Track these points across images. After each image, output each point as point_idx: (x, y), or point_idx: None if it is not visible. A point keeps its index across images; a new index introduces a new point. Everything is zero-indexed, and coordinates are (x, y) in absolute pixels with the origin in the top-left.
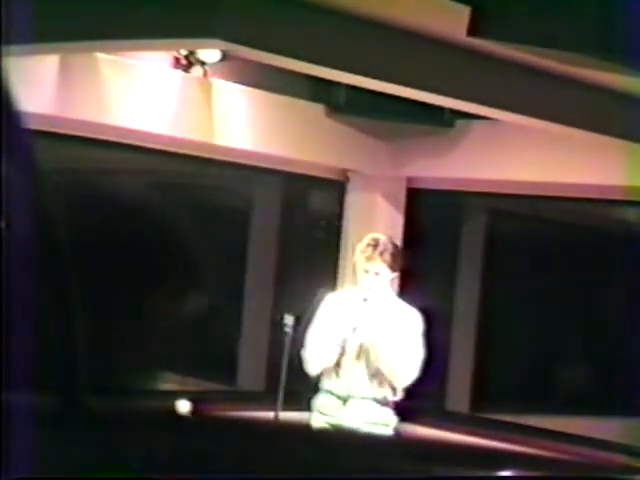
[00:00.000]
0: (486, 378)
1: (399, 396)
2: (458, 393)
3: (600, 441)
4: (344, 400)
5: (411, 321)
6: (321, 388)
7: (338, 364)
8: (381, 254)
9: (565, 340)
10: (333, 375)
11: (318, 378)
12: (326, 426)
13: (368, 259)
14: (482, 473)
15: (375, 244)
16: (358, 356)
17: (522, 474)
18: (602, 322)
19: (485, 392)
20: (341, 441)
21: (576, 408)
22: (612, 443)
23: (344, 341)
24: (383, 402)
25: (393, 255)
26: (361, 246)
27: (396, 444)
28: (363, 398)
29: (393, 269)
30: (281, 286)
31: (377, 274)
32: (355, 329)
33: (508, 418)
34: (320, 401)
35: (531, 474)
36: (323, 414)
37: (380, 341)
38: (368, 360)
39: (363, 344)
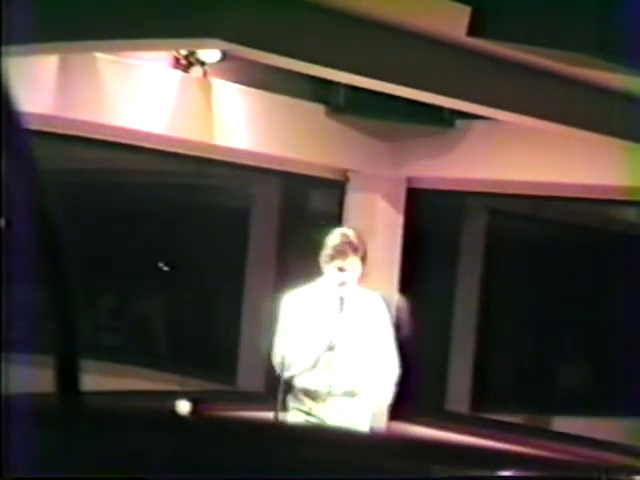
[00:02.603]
0: (486, 378)
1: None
2: (458, 393)
3: (600, 441)
4: (320, 397)
5: (380, 311)
6: (295, 386)
7: (314, 364)
8: (356, 251)
9: (565, 340)
10: (309, 372)
11: (291, 377)
12: (320, 425)
13: (344, 256)
14: (482, 473)
15: (348, 241)
16: (334, 352)
17: (522, 474)
18: (602, 322)
19: (485, 392)
20: (340, 441)
21: (576, 408)
22: (612, 443)
23: (327, 345)
24: (358, 397)
25: (364, 251)
26: (333, 242)
27: (396, 444)
28: (339, 394)
29: (364, 264)
30: (281, 286)
31: (354, 271)
32: (332, 340)
33: (508, 418)
34: (295, 399)
35: (531, 474)
36: (300, 412)
37: (360, 346)
38: (347, 357)
39: (340, 346)
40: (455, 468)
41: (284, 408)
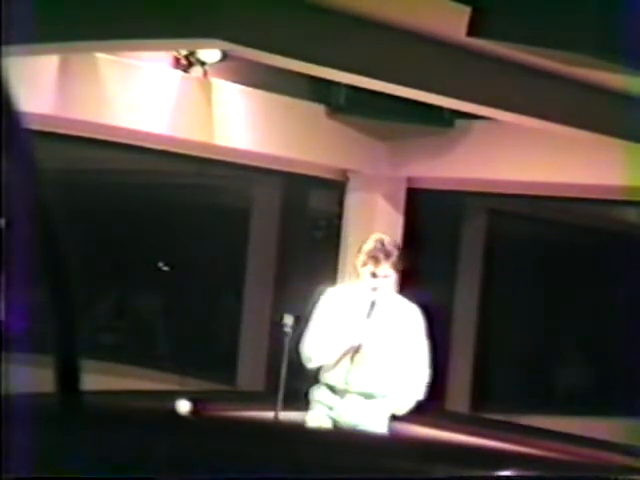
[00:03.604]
0: (486, 378)
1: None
2: (458, 393)
3: (600, 441)
4: (342, 393)
5: (415, 320)
6: (319, 381)
7: (337, 361)
8: (388, 257)
9: (565, 340)
10: (331, 368)
11: (316, 371)
12: (324, 420)
13: (377, 262)
14: (482, 473)
15: (382, 247)
16: (358, 354)
17: (522, 474)
18: (602, 322)
19: (485, 392)
20: (340, 441)
21: (576, 408)
22: (612, 443)
23: (351, 347)
24: (380, 397)
25: (399, 257)
26: (367, 247)
27: (396, 444)
28: (360, 393)
29: (397, 271)
30: (281, 286)
31: (386, 277)
32: (358, 341)
33: (508, 418)
34: (318, 393)
35: (531, 474)
36: (322, 405)
37: (386, 352)
38: (370, 360)
39: (365, 348)
40: (455, 468)
41: (306, 401)
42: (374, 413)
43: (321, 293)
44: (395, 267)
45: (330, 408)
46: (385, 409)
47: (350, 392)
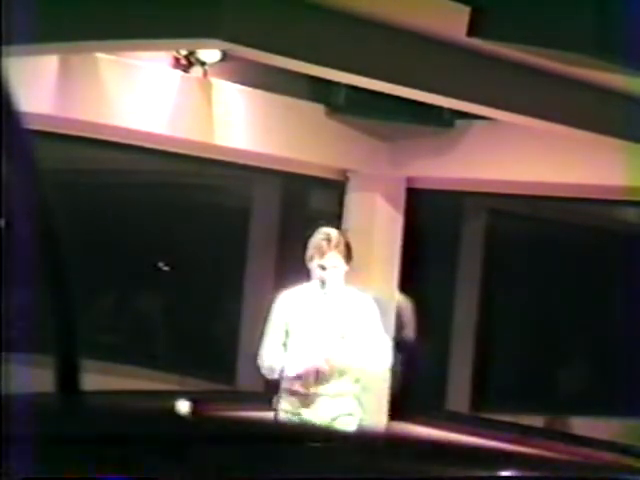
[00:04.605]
0: (486, 378)
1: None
2: (458, 393)
3: (600, 441)
4: (308, 398)
5: (368, 309)
6: (282, 388)
7: (302, 367)
8: (336, 247)
9: (565, 340)
10: (296, 375)
11: (278, 379)
12: (323, 426)
13: (323, 254)
14: (482, 473)
15: (329, 238)
16: (321, 357)
17: (522, 474)
18: (602, 322)
19: (485, 392)
20: (340, 441)
21: (576, 408)
22: (612, 443)
23: (311, 350)
24: (347, 394)
25: (347, 248)
26: (314, 241)
27: (395, 444)
28: (327, 395)
29: (347, 262)
30: (281, 286)
31: (335, 267)
32: (320, 341)
33: (508, 418)
34: (283, 402)
35: (531, 474)
36: (287, 413)
37: (345, 342)
38: (334, 360)
39: (327, 346)
40: (455, 468)
41: (275, 410)
42: (343, 412)
43: (271, 302)
44: (344, 257)
45: (298, 415)
46: (354, 406)
47: (317, 395)
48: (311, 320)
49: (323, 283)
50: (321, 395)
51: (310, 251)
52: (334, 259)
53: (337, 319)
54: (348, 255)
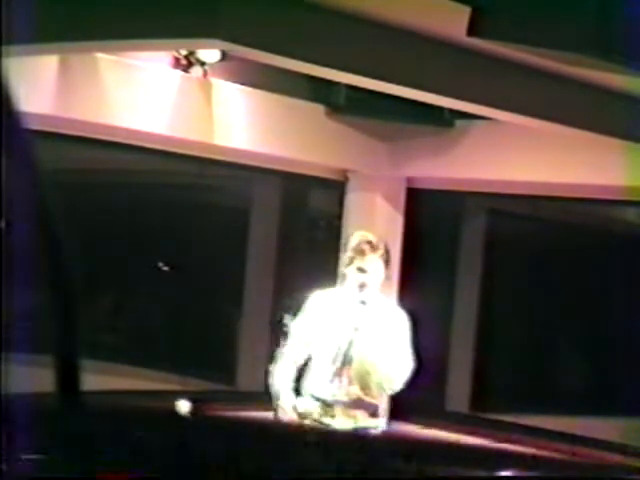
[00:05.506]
0: (486, 378)
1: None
2: (458, 393)
3: (600, 441)
4: (329, 406)
5: (400, 327)
6: (303, 392)
7: (330, 375)
8: (374, 250)
9: (565, 340)
10: (320, 382)
11: (298, 382)
12: (322, 427)
13: (362, 256)
14: (482, 473)
15: (370, 241)
16: (345, 364)
17: (522, 474)
18: (602, 322)
19: (485, 392)
20: (340, 441)
21: (576, 408)
22: (612, 443)
23: (340, 359)
24: (367, 406)
25: (387, 254)
26: (354, 244)
27: (395, 444)
28: (348, 402)
29: (386, 268)
30: (281, 286)
31: (375, 272)
32: (349, 350)
33: (508, 418)
34: (304, 406)
35: (531, 474)
36: (307, 419)
37: (371, 354)
38: (357, 369)
39: (354, 355)
40: (455, 468)
41: (299, 415)
42: (363, 421)
43: (307, 299)
44: (384, 262)
45: (319, 420)
46: (374, 414)
47: (338, 402)
48: (343, 327)
49: (362, 287)
50: (341, 403)
51: (349, 253)
52: (375, 263)
53: (369, 329)
54: (387, 261)
